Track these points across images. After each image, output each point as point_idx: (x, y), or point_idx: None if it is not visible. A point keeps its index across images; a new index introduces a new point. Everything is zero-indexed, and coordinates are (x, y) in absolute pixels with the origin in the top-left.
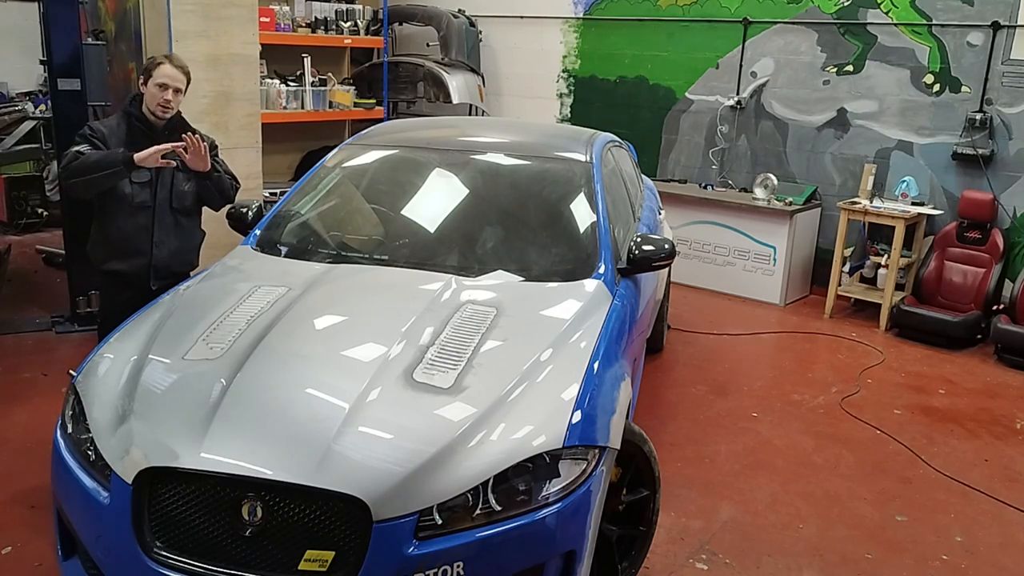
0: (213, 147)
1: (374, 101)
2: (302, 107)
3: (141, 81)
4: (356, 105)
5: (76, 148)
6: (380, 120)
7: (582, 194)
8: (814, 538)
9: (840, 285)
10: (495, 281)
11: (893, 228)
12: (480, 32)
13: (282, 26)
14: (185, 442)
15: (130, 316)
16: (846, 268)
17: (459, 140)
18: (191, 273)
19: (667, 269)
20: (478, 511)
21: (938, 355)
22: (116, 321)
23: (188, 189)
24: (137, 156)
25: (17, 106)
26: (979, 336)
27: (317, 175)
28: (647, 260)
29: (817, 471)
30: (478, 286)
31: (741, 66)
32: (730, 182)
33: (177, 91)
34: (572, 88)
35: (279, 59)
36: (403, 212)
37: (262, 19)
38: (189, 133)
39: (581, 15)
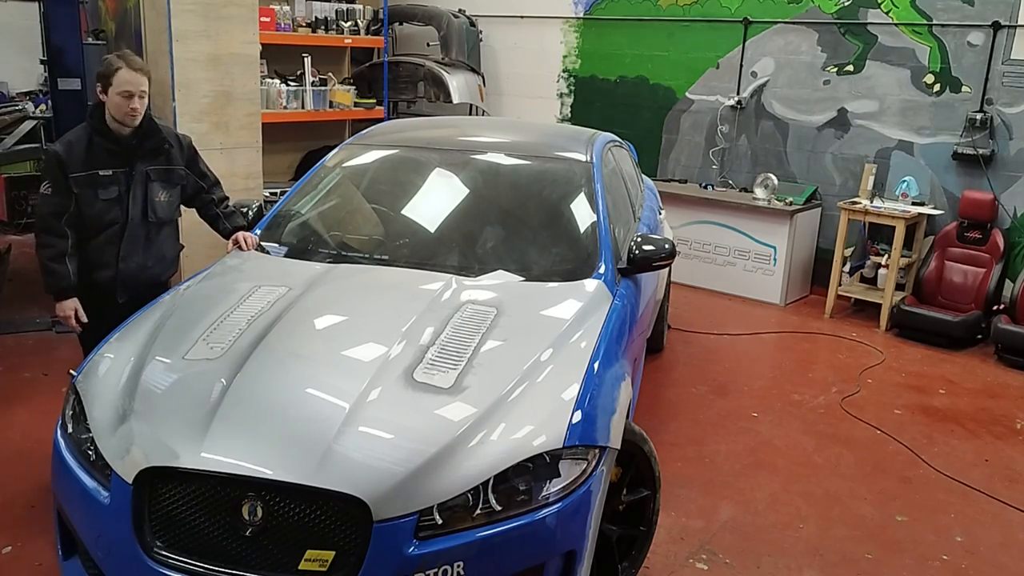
0: (192, 148)
1: (374, 101)
2: (302, 107)
3: (99, 89)
4: (356, 105)
5: (43, 190)
6: (380, 120)
7: (582, 194)
8: (814, 538)
9: (840, 285)
10: (495, 281)
11: (893, 228)
12: (480, 32)
13: (282, 26)
14: (185, 442)
15: (107, 328)
16: (846, 268)
17: (459, 140)
18: (169, 286)
19: (667, 269)
20: (478, 511)
21: (938, 355)
22: (93, 332)
23: (166, 200)
24: (58, 306)
25: (17, 106)
26: (979, 336)
27: (317, 175)
28: (647, 260)
29: (817, 471)
30: (478, 286)
31: (741, 66)
32: (730, 182)
33: (142, 95)
34: (572, 88)
35: (279, 59)
36: (403, 212)
37: (262, 19)
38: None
39: (581, 15)
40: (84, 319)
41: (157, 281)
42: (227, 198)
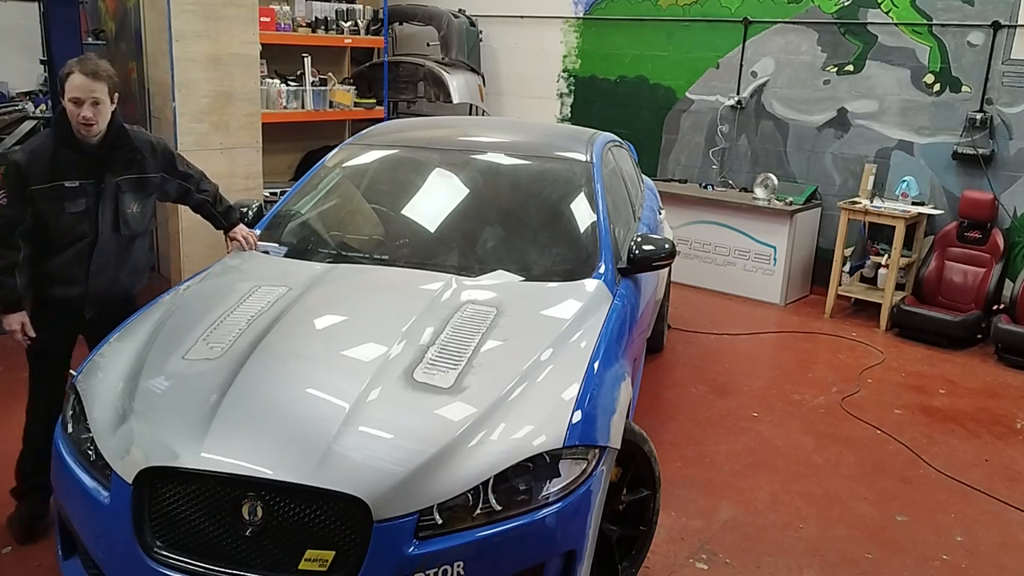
0: (168, 153)
1: (374, 101)
2: (302, 107)
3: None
4: (356, 105)
5: None
6: (380, 120)
7: (582, 194)
8: (814, 538)
9: (840, 285)
10: (495, 281)
11: (893, 228)
12: (480, 32)
13: (282, 26)
14: (185, 442)
15: (66, 344)
16: (846, 268)
17: (459, 140)
18: (138, 297)
19: (667, 269)
20: (478, 511)
21: (938, 355)
22: (50, 348)
23: (139, 211)
24: (4, 320)
25: (17, 106)
26: (979, 336)
27: (317, 175)
28: (647, 260)
29: (817, 471)
30: (478, 286)
31: (741, 66)
32: (730, 182)
33: (96, 103)
34: (572, 88)
35: (279, 59)
36: (403, 212)
37: (262, 19)
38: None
39: (581, 15)
40: (31, 333)
41: (128, 294)
42: (217, 188)
